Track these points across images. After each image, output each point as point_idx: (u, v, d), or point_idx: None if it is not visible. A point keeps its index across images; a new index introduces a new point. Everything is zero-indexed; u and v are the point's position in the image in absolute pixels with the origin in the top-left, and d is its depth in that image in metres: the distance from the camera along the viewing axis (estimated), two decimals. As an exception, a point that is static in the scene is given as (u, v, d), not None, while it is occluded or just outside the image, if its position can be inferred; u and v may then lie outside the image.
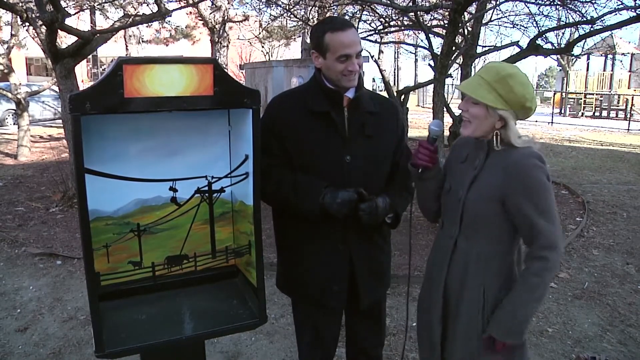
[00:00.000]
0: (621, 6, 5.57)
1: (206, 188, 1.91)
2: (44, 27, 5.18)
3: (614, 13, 5.65)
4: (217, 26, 11.00)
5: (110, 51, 20.50)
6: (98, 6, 9.33)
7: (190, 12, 13.14)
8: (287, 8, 7.93)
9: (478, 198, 1.65)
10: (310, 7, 8.03)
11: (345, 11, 9.50)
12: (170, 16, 6.68)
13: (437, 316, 1.77)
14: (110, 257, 1.81)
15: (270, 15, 9.94)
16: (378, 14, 8.12)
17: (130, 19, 7.09)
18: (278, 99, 1.97)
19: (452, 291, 1.74)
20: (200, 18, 11.54)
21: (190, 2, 8.24)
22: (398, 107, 2.10)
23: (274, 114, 1.88)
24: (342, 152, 1.84)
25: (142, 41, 14.52)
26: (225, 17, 11.16)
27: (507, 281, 1.66)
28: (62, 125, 7.93)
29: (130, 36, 13.81)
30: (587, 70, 22.97)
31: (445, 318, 1.77)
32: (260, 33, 14.00)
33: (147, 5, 9.67)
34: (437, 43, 9.33)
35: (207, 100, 1.59)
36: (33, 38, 8.67)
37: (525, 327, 1.62)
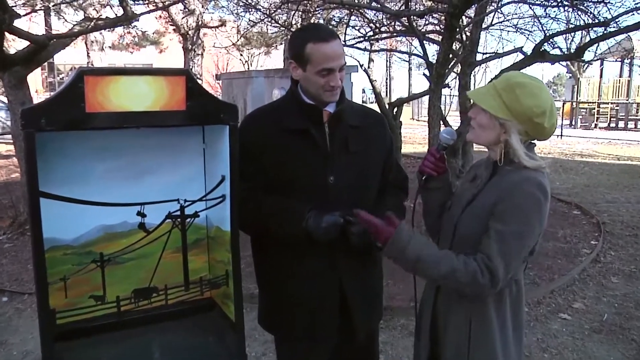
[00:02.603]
0: (639, 5, 5.64)
1: (178, 212, 1.92)
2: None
3: (631, 13, 5.68)
4: (190, 32, 11.10)
5: (69, 58, 20.46)
6: (54, 7, 9.29)
7: (160, 16, 13.23)
8: (268, 13, 8.03)
9: (470, 218, 1.69)
10: (293, 12, 8.14)
11: (331, 16, 9.65)
12: (137, 20, 6.73)
13: (425, 341, 1.82)
14: (68, 291, 1.79)
15: (249, 20, 10.03)
16: (368, 19, 8.25)
17: (92, 23, 7.10)
18: (251, 117, 2.00)
19: (440, 316, 1.78)
20: (171, 23, 11.64)
21: (160, 5, 8.31)
22: (385, 119, 2.15)
23: (247, 133, 1.90)
24: (324, 171, 1.87)
25: (106, 47, 14.58)
26: (200, 22, 11.27)
27: (499, 312, 1.68)
28: (11, 141, 7.84)
29: (92, 42, 13.86)
30: (601, 77, 23.34)
31: (435, 344, 1.80)
32: (238, 40, 14.10)
33: (111, 7, 9.71)
34: (432, 50, 9.53)
35: (179, 115, 1.60)
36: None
37: (406, 257, 1.61)
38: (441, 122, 5.84)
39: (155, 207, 1.87)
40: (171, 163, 1.88)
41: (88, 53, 13.84)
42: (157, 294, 1.93)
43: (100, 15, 9.11)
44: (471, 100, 1.91)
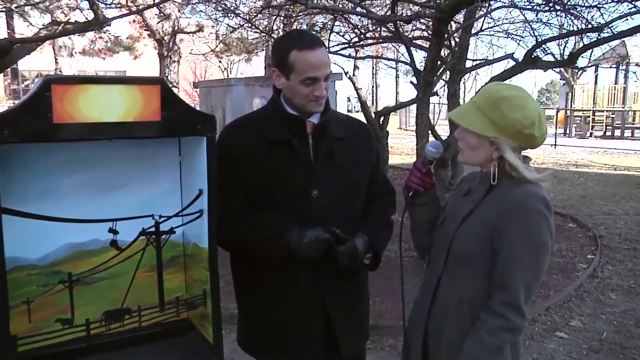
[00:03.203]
0: (633, 10, 5.71)
1: (153, 229, 1.91)
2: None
3: (625, 19, 5.75)
4: (166, 38, 11.09)
5: (35, 64, 20.29)
6: (17, 9, 9.19)
7: (134, 21, 13.24)
8: (248, 18, 8.07)
9: (467, 234, 1.70)
10: (275, 17, 8.19)
11: (314, 22, 9.73)
12: (109, 25, 6.71)
13: None
14: (32, 315, 1.76)
15: (228, 26, 10.09)
16: (352, 24, 8.33)
17: (60, 27, 7.06)
18: (230, 127, 2.01)
19: (432, 337, 1.78)
20: (145, 28, 11.63)
21: (134, 9, 8.30)
22: (371, 130, 2.17)
23: (227, 144, 1.90)
24: (308, 185, 1.88)
25: (75, 53, 14.47)
26: (176, 28, 11.28)
27: None
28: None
29: (60, 47, 13.74)
30: (596, 83, 23.69)
31: None
32: (216, 46, 14.13)
33: (81, 11, 9.64)
34: (420, 57, 9.60)
35: (154, 126, 1.61)
36: None
37: None
38: (429, 132, 5.89)
39: (128, 224, 1.86)
40: (145, 177, 1.88)
41: (56, 59, 13.67)
42: (130, 315, 1.91)
43: (69, 18, 9.05)
44: None
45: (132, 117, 1.57)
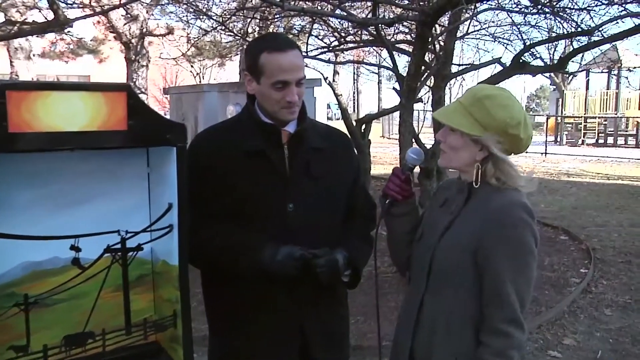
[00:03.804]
0: (624, 13, 5.83)
1: (119, 246, 1.90)
2: None
3: (616, 22, 5.90)
4: (133, 40, 11.05)
5: (-14, 67, 20.04)
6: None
7: (99, 22, 13.15)
8: (221, 20, 8.08)
9: (450, 247, 1.72)
10: (250, 20, 8.21)
11: (292, 24, 9.77)
12: (72, 26, 6.65)
13: None
14: (-17, 341, 1.74)
15: (200, 28, 10.07)
16: (332, 27, 8.39)
17: (15, 28, 6.99)
18: (201, 136, 2.02)
19: (421, 354, 1.78)
20: (111, 30, 11.56)
21: (98, 9, 8.23)
22: (350, 140, 2.19)
23: (197, 155, 1.90)
24: (283, 198, 1.88)
25: (34, 56, 14.29)
26: (144, 30, 11.25)
27: None
28: None
29: (16, 49, 13.56)
30: (587, 89, 24.13)
31: None
32: (188, 50, 14.12)
33: (39, 10, 9.53)
34: (403, 62, 9.71)
35: (120, 136, 1.60)
36: None
37: None
38: (413, 141, 5.93)
39: (91, 240, 1.84)
40: (111, 190, 1.86)
41: (11, 62, 13.46)
42: (93, 339, 1.89)
43: (26, 18, 8.94)
44: None
45: (96, 126, 1.56)
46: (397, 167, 1.91)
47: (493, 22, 8.81)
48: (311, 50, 8.38)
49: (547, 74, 17.14)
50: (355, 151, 2.19)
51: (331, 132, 2.12)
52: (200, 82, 23.65)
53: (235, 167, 1.89)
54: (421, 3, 5.78)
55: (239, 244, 1.85)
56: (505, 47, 8.83)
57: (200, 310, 2.08)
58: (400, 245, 1.93)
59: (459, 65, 9.57)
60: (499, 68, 6.65)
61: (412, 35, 7.92)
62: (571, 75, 20.02)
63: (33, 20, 7.98)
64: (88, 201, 1.83)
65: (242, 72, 12.66)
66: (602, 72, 22.08)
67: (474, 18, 7.87)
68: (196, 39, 12.15)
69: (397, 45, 8.13)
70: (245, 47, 2.21)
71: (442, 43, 7.54)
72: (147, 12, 11.47)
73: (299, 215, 1.89)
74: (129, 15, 10.98)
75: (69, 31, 12.46)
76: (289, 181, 1.90)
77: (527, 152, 17.64)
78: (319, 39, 9.41)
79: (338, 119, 23.16)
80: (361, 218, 2.11)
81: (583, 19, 6.61)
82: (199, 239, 1.83)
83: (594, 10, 6.30)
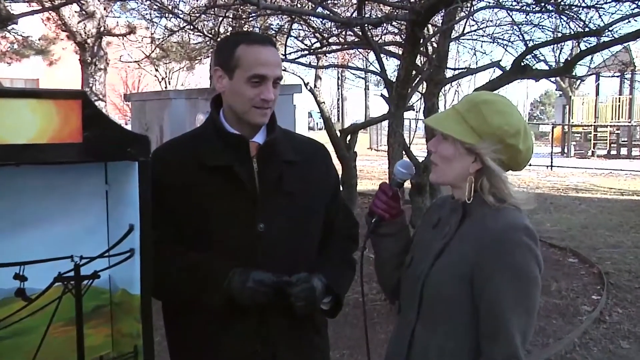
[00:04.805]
0: (637, 11, 5.90)
1: (72, 273, 1.88)
2: None
3: (627, 21, 5.95)
4: (89, 40, 11.01)
5: None
6: None
7: (49, 19, 13.07)
8: (190, 19, 8.08)
9: (442, 275, 1.72)
10: (222, 18, 8.23)
11: (268, 24, 9.81)
12: (16, 23, 6.60)
13: None
14: None
15: (166, 28, 10.08)
16: (313, 27, 8.43)
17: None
18: (162, 150, 2.03)
19: None
20: (63, 28, 11.51)
21: (48, 4, 8.16)
22: (327, 151, 2.20)
23: (156, 171, 1.86)
24: (252, 218, 1.89)
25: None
26: (102, 29, 11.22)
27: None
28: None
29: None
30: (597, 95, 24.29)
31: None
32: (152, 51, 14.11)
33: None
34: (392, 66, 9.80)
35: (74, 149, 1.59)
36: None
37: None
38: (403, 153, 5.97)
39: (39, 268, 1.82)
40: (63, 210, 1.85)
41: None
42: (41, 382, 1.87)
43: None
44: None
45: (47, 138, 1.55)
46: (384, 183, 1.93)
47: (491, 21, 8.92)
48: (290, 53, 8.41)
49: (553, 79, 17.36)
50: (334, 163, 2.20)
51: (305, 142, 2.14)
52: (165, 87, 23.65)
53: (199, 184, 1.90)
54: (412, 1, 5.84)
55: (204, 271, 1.85)
56: (505, 49, 8.94)
57: (165, 345, 2.07)
58: (387, 269, 1.94)
59: (454, 69, 9.67)
60: (498, 72, 6.70)
61: (402, 36, 7.99)
62: (579, 80, 20.22)
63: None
64: (36, 223, 1.81)
65: (212, 73, 12.66)
66: (613, 76, 22.32)
67: (471, 17, 7.96)
68: (161, 39, 12.16)
69: (385, 47, 8.20)
70: (217, 44, 2.23)
71: (435, 45, 7.63)
72: (105, 9, 11.46)
73: (271, 236, 1.89)
74: (84, 12, 10.95)
75: (12, 28, 12.38)
76: (258, 199, 1.91)
77: (530, 165, 17.79)
78: (298, 40, 9.46)
79: (320, 129, 23.28)
80: (341, 238, 2.12)
81: (591, 17, 6.69)
82: (157, 265, 1.81)
83: (604, 8, 6.38)
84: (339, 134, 9.17)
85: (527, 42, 7.30)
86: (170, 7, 8.52)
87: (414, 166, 1.97)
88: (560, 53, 9.16)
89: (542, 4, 6.34)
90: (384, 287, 2.01)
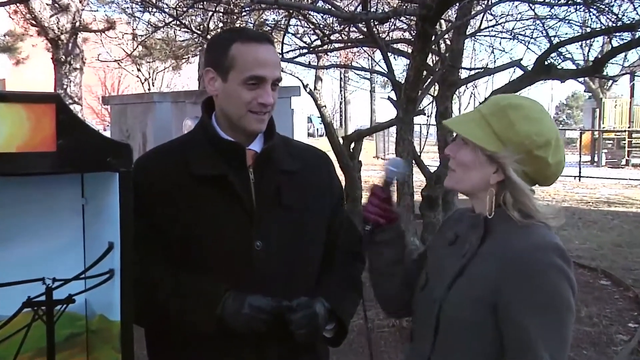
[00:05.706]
0: None
1: (43, 297, 1.89)
2: None
3: None
4: (63, 36, 11.02)
5: None
6: None
7: (16, 12, 13.07)
8: (176, 14, 8.08)
9: (462, 300, 1.71)
10: (211, 13, 8.23)
11: (263, 19, 9.82)
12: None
13: None
14: None
15: (149, 23, 10.11)
16: (313, 23, 8.43)
17: None
18: (146, 158, 2.03)
19: None
20: (33, 22, 11.52)
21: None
22: (329, 160, 2.20)
23: (139, 182, 1.86)
24: (248, 234, 1.89)
25: None
26: (77, 24, 11.23)
27: None
28: None
29: None
30: (632, 96, 24.22)
31: None
32: (134, 49, 14.13)
33: None
34: (400, 66, 9.81)
35: (47, 159, 1.59)
36: None
37: None
38: (413, 162, 5.97)
39: (7, 292, 1.82)
40: (34, 227, 1.85)
41: None
42: (8, 418, 1.87)
43: None
44: (454, 134, 1.98)
45: (15, 146, 1.55)
46: (376, 185, 1.92)
47: (511, 15, 8.90)
48: (287, 52, 8.42)
49: (581, 79, 17.33)
50: (337, 173, 2.20)
51: (305, 150, 2.14)
52: (149, 89, 23.69)
53: (188, 197, 1.89)
54: (422, -7, 5.85)
55: (191, 295, 1.84)
56: (527, 47, 8.94)
57: (148, 377, 2.07)
58: (383, 279, 1.94)
59: (470, 69, 9.62)
60: (519, 72, 6.70)
61: (412, 32, 7.99)
62: (611, 80, 20.20)
63: None
64: (4, 242, 1.81)
65: (201, 77, 12.70)
66: (650, 75, 22.38)
67: (488, 11, 7.96)
68: (144, 36, 12.19)
69: (392, 45, 8.20)
70: (209, 41, 2.22)
71: (448, 42, 7.65)
72: (80, 1, 11.46)
73: (269, 255, 1.89)
74: (56, 5, 10.95)
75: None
76: (255, 213, 1.91)
77: (556, 176, 17.81)
78: (297, 37, 9.48)
79: (321, 136, 23.31)
80: (345, 257, 2.12)
81: (625, 10, 6.68)
82: (141, 289, 1.81)
83: (638, 0, 6.38)
84: (341, 141, 9.16)
85: (552, 39, 7.30)
86: (154, 0, 8.53)
87: (407, 164, 1.96)
88: (589, 50, 9.21)
89: (569, -5, 6.34)
90: (379, 297, 2.01)
